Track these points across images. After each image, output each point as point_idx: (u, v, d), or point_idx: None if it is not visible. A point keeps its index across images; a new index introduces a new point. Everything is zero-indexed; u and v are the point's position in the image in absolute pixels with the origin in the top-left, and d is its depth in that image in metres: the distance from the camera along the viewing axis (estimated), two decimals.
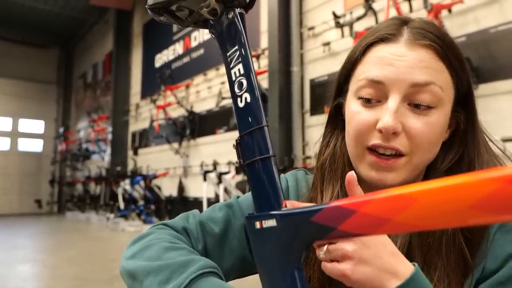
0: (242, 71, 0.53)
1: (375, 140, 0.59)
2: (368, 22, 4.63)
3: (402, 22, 0.62)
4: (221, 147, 7.16)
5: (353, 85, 0.64)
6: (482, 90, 3.75)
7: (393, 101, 0.58)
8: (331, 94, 0.71)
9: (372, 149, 0.61)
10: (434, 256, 0.59)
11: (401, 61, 0.58)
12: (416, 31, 0.60)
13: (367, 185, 0.65)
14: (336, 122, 0.71)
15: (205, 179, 6.44)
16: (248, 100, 0.52)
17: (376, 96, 0.61)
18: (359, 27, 4.67)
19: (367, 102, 0.61)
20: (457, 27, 3.99)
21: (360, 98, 0.62)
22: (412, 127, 0.58)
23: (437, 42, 0.59)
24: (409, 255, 0.60)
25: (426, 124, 0.58)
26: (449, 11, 4.01)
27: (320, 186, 0.69)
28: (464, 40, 3.90)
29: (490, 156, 0.64)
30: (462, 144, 0.63)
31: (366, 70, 0.61)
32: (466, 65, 0.62)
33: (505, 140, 3.45)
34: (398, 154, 0.59)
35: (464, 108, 0.63)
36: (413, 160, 0.60)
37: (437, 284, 0.58)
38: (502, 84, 3.64)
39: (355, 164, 0.65)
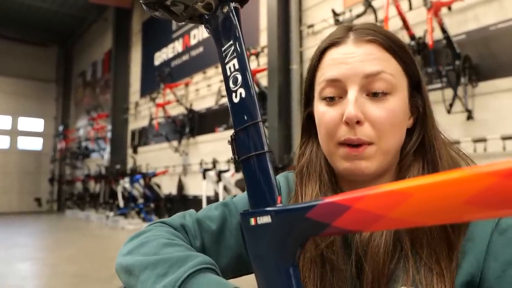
0: (237, 66, 0.52)
1: (344, 135, 0.63)
2: (368, 19, 4.62)
3: (348, 27, 0.69)
4: (221, 145, 7.16)
5: (316, 90, 0.69)
6: (481, 88, 3.75)
7: (352, 93, 0.63)
8: (301, 106, 0.77)
9: (343, 144, 0.65)
10: (419, 233, 0.61)
11: (352, 58, 0.64)
12: (359, 31, 0.67)
13: (347, 181, 0.70)
14: (310, 131, 0.76)
15: (204, 177, 6.44)
16: (243, 95, 0.51)
17: (337, 94, 0.65)
18: None
19: (331, 100, 0.66)
20: (456, 25, 3.98)
21: (324, 98, 0.67)
22: (373, 114, 0.63)
23: (380, 37, 0.65)
24: (397, 234, 0.62)
25: (386, 110, 0.63)
26: (449, 8, 4.00)
27: (300, 190, 0.72)
28: (464, 38, 3.90)
29: (443, 140, 0.69)
30: (423, 127, 0.68)
31: (324, 73, 0.67)
32: (412, 55, 0.68)
33: (505, 138, 3.45)
34: (367, 143, 0.63)
35: (420, 93, 0.69)
36: (381, 146, 0.63)
37: (427, 262, 0.60)
38: (502, 82, 3.64)
39: (331, 161, 0.68)
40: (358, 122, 0.62)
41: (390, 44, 0.65)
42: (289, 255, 0.44)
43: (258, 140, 0.50)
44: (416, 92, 0.69)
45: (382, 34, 0.66)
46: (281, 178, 0.80)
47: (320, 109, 0.67)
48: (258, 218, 0.46)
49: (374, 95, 0.63)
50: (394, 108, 0.63)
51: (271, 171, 0.49)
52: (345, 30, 0.68)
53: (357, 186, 0.65)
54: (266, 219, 0.45)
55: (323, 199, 0.40)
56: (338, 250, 0.64)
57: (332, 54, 0.67)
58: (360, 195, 0.36)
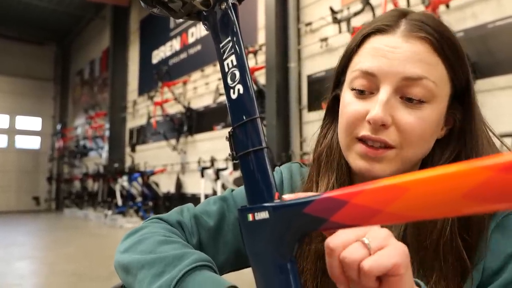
0: (235, 63, 0.52)
1: (364, 131, 0.59)
2: (366, 17, 4.62)
3: (401, 14, 0.62)
4: (219, 144, 7.16)
5: (348, 76, 0.64)
6: (479, 86, 3.75)
7: (384, 93, 0.58)
8: (329, 86, 0.71)
9: (362, 140, 0.60)
10: (431, 259, 0.58)
11: (395, 53, 0.58)
12: (413, 23, 0.59)
13: (360, 177, 0.66)
14: (334, 113, 0.70)
15: (202, 176, 6.44)
16: (241, 91, 0.51)
17: (368, 88, 0.60)
18: (356, 22, 4.67)
19: (360, 93, 0.61)
20: (455, 22, 3.98)
21: (353, 89, 0.62)
22: (402, 120, 0.58)
23: (434, 35, 0.58)
24: None
25: (418, 118, 0.58)
26: (447, 6, 4.01)
27: (315, 177, 0.69)
28: (462, 36, 3.90)
29: (493, 152, 0.62)
30: (459, 143, 0.62)
31: (361, 61, 0.61)
32: (466, 60, 0.61)
33: (503, 135, 3.46)
34: (387, 146, 0.59)
35: (462, 104, 0.62)
36: (402, 153, 0.59)
37: (434, 287, 0.57)
38: (500, 80, 3.65)
39: (345, 154, 0.64)
40: (383, 125, 0.57)
41: (443, 46, 0.58)
42: (286, 250, 0.44)
43: (256, 136, 0.49)
44: (458, 103, 0.62)
45: (438, 33, 0.58)
46: (284, 169, 0.77)
47: (347, 99, 0.62)
48: (255, 214, 0.46)
49: (408, 100, 0.58)
50: (428, 118, 0.58)
51: (269, 167, 0.49)
52: (397, 16, 0.61)
53: None
54: (263, 215, 0.45)
55: (321, 194, 0.40)
56: None
57: (375, 42, 0.60)
58: (358, 190, 0.37)
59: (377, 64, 0.59)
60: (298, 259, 0.65)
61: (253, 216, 0.46)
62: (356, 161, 0.62)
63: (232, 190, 0.76)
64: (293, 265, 0.45)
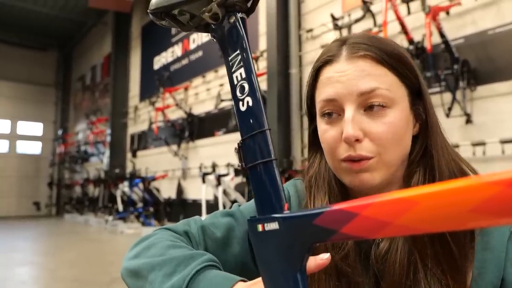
0: (244, 75, 0.53)
1: (345, 152, 0.64)
2: (366, 24, 4.65)
3: (342, 42, 0.68)
4: (220, 149, 7.17)
5: (317, 108, 0.70)
6: (480, 92, 3.77)
7: (349, 111, 0.63)
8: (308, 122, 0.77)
9: (345, 160, 0.65)
10: (423, 246, 0.61)
11: (345, 76, 0.64)
12: (352, 46, 0.66)
13: (352, 194, 0.71)
14: (317, 144, 0.75)
15: (204, 181, 6.43)
16: (250, 104, 0.52)
17: (336, 110, 0.66)
18: (357, 29, 4.69)
19: (329, 116, 0.66)
20: (455, 29, 4.00)
21: (323, 115, 0.67)
22: (372, 130, 0.63)
23: (373, 51, 0.64)
24: (408, 248, 0.63)
25: (384, 124, 0.63)
26: (447, 13, 4.03)
27: (309, 202, 0.73)
28: (462, 42, 3.92)
29: (447, 147, 0.68)
30: (426, 135, 0.68)
31: (321, 92, 0.67)
32: (410, 62, 0.66)
33: (504, 141, 3.47)
34: (367, 158, 0.63)
35: (422, 99, 0.68)
36: (383, 159, 0.63)
37: (439, 276, 0.60)
38: (500, 86, 3.66)
39: (337, 175, 0.69)
40: (357, 140, 0.62)
41: (383, 57, 0.64)
42: (296, 261, 0.45)
43: (265, 148, 0.50)
44: (418, 99, 0.68)
45: (375, 47, 0.64)
46: (289, 186, 0.80)
47: (322, 127, 0.68)
48: (265, 224, 0.47)
49: (370, 108, 0.63)
50: (394, 121, 0.63)
51: (278, 178, 0.50)
52: (338, 45, 0.68)
53: (367, 195, 0.64)
54: (273, 226, 0.46)
55: (331, 206, 0.41)
56: (353, 264, 0.64)
57: (327, 73, 0.67)
58: (368, 203, 0.37)
59: (334, 90, 0.65)
60: (310, 283, 0.67)
61: (263, 227, 0.47)
62: (348, 179, 0.66)
63: (239, 205, 0.78)
64: (303, 275, 0.45)
